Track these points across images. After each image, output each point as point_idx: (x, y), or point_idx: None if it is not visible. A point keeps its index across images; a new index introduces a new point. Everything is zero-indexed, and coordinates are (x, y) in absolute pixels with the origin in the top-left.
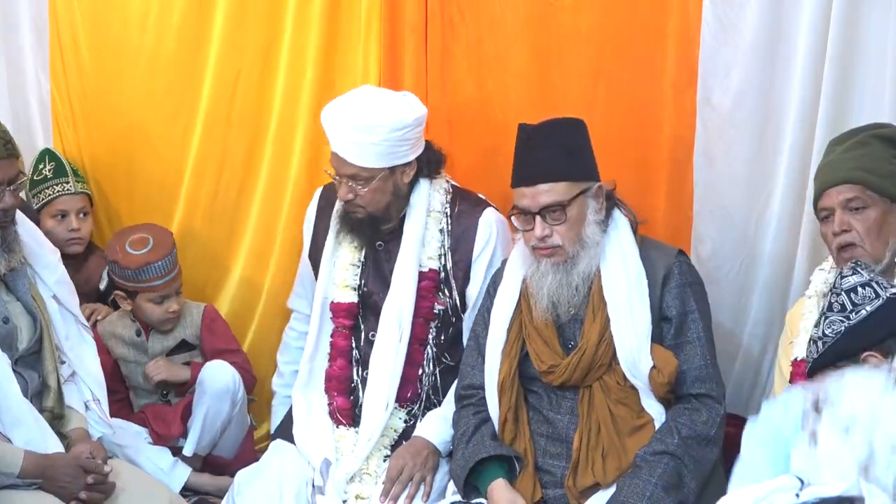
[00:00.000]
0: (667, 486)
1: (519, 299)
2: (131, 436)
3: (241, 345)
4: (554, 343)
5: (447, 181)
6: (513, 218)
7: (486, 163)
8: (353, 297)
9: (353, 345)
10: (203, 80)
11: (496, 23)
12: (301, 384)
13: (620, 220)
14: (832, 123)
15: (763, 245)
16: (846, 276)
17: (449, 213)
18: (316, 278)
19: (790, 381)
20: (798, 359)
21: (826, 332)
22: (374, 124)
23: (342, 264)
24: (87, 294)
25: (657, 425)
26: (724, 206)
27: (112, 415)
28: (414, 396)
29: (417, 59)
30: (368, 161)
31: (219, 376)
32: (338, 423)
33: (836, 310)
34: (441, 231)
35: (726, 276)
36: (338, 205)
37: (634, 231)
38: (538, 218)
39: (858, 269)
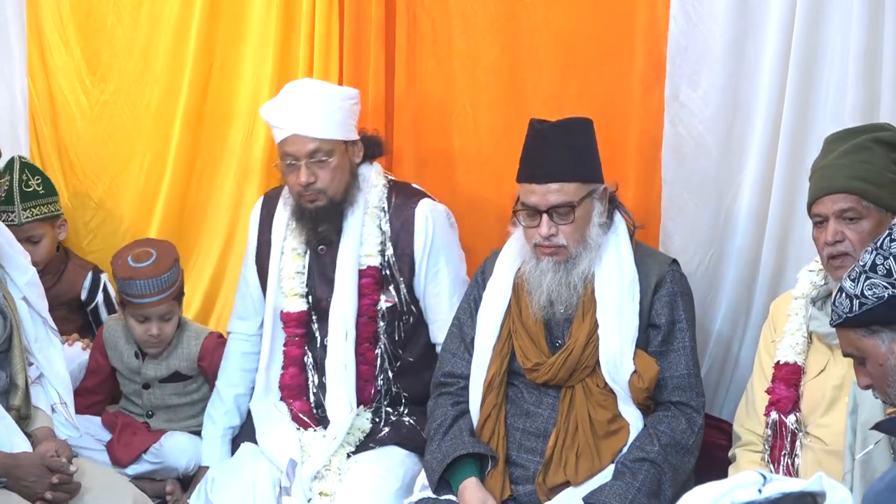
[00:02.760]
0: (647, 493)
1: (510, 295)
2: (91, 441)
3: None
4: (541, 341)
5: (385, 175)
6: (518, 214)
7: (454, 160)
8: (302, 306)
9: (307, 351)
10: (183, 74)
11: (467, 18)
12: (259, 395)
13: (620, 225)
14: (796, 121)
15: (730, 242)
16: None
17: (387, 209)
18: (263, 289)
19: (772, 383)
20: (782, 362)
21: (865, 293)
22: (330, 93)
23: (288, 273)
24: (69, 303)
25: (632, 430)
26: (692, 202)
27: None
28: (376, 395)
29: (381, 57)
30: (330, 131)
31: (180, 457)
32: (304, 425)
33: (881, 273)
34: (379, 227)
35: (694, 273)
36: (286, 210)
37: (632, 236)
38: (545, 216)
39: None
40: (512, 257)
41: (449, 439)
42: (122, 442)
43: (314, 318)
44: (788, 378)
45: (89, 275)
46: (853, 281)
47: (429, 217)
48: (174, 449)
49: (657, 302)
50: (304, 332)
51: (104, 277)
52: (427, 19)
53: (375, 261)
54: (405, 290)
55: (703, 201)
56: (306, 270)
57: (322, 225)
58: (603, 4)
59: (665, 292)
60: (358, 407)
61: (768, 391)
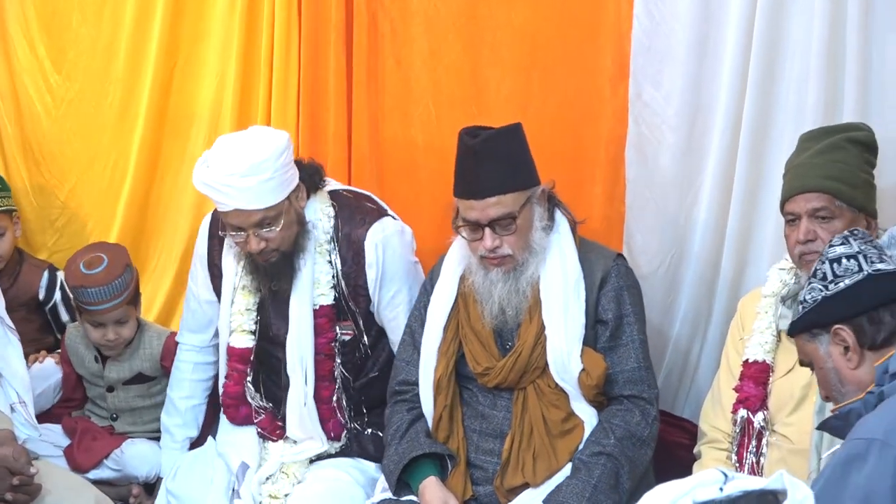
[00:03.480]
0: (605, 488)
1: (456, 298)
2: (50, 448)
3: None
4: (490, 345)
5: (331, 203)
6: (460, 229)
7: (418, 160)
8: (249, 342)
9: (253, 386)
10: (146, 73)
11: (428, 17)
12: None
13: (562, 223)
14: (757, 120)
15: (692, 241)
16: (834, 245)
17: (336, 240)
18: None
19: (741, 381)
20: (750, 360)
21: (806, 298)
22: (260, 161)
23: (238, 309)
24: (27, 304)
25: (587, 428)
26: (655, 201)
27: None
28: (342, 430)
29: (340, 57)
30: (272, 198)
31: (141, 465)
32: (266, 438)
33: (818, 277)
34: (329, 263)
35: (656, 272)
36: (238, 261)
37: (574, 232)
38: (487, 230)
39: (849, 240)
40: (455, 262)
41: (406, 441)
42: (82, 447)
43: (271, 351)
44: (757, 376)
45: (45, 274)
46: (804, 289)
47: (378, 246)
48: (135, 457)
49: (603, 297)
50: (244, 368)
51: (60, 276)
52: (386, 19)
53: (328, 299)
54: (362, 320)
55: (666, 201)
56: (256, 307)
57: (277, 279)
58: (566, 3)
59: (611, 287)
60: (329, 442)
61: (736, 389)
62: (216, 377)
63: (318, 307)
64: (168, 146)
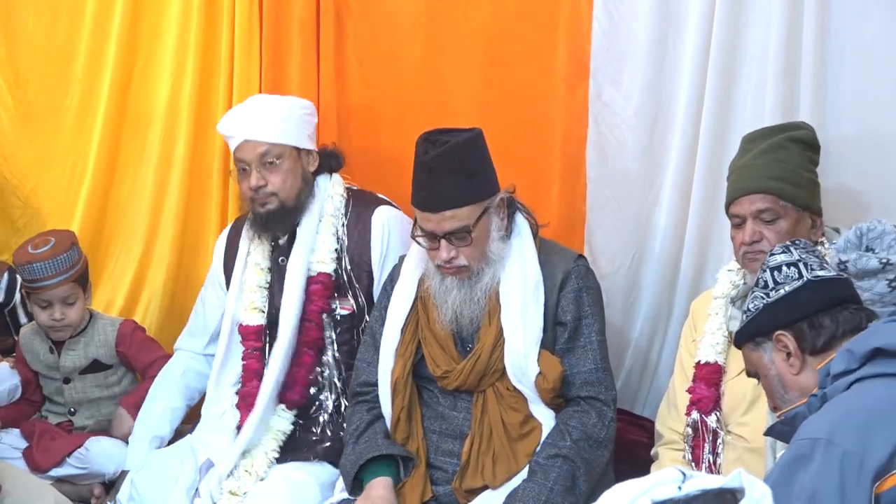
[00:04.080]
0: (561, 490)
1: (415, 300)
2: (8, 450)
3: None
4: (450, 348)
5: (346, 186)
6: (417, 238)
7: (380, 160)
8: (260, 320)
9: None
10: (105, 74)
11: (390, 17)
12: (209, 404)
13: (523, 227)
14: (716, 121)
15: (651, 241)
16: (775, 254)
17: (345, 218)
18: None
19: (693, 382)
20: (702, 362)
21: (749, 307)
22: (280, 100)
23: (249, 286)
24: None
25: (545, 430)
26: (616, 201)
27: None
28: (302, 399)
29: (307, 58)
30: (278, 135)
31: (107, 463)
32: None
33: (759, 285)
34: (335, 235)
35: (618, 272)
36: (250, 240)
37: (535, 234)
38: (443, 241)
39: (790, 248)
40: (414, 264)
41: (363, 442)
42: (40, 447)
43: (268, 331)
44: (709, 378)
45: (5, 275)
46: (747, 298)
47: (385, 225)
48: (100, 454)
49: (563, 299)
50: (262, 345)
51: (20, 278)
52: (350, 19)
53: (328, 268)
54: (363, 298)
55: (626, 201)
56: (268, 285)
57: (273, 227)
58: (525, 3)
59: (570, 289)
60: (279, 406)
61: (689, 391)
62: (203, 397)
63: (314, 274)
64: (126, 146)
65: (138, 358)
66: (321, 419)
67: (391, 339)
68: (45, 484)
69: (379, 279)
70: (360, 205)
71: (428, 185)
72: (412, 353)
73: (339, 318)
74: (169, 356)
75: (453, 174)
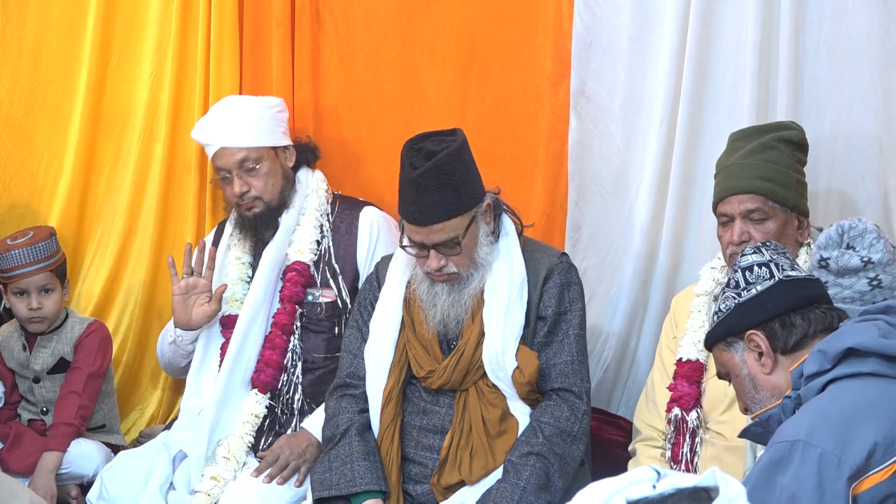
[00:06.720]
0: (534, 489)
1: (402, 307)
2: None
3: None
4: (434, 349)
5: (326, 187)
6: (406, 248)
7: (360, 157)
8: (240, 311)
9: None
10: (79, 73)
11: (369, 15)
12: (188, 397)
13: (510, 227)
14: (692, 118)
15: (630, 237)
16: (746, 255)
17: (329, 213)
18: None
19: (674, 379)
20: (684, 359)
21: (720, 308)
22: (251, 103)
23: (231, 280)
24: None
25: (521, 427)
26: (599, 195)
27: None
28: (273, 382)
29: (284, 56)
30: (254, 139)
31: (87, 465)
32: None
33: (731, 286)
34: (317, 228)
35: (599, 266)
36: (232, 217)
37: (520, 234)
38: (433, 251)
39: (761, 249)
40: (401, 268)
41: (349, 465)
42: (13, 450)
43: None
44: (690, 375)
45: None
46: (718, 299)
47: (374, 222)
48: (81, 456)
49: (545, 294)
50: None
51: None
52: (330, 17)
53: (306, 257)
54: (347, 288)
55: (609, 196)
56: (249, 279)
57: (263, 230)
58: (504, 1)
59: (553, 284)
60: (252, 390)
61: (670, 388)
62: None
63: (291, 262)
64: (102, 146)
65: (76, 364)
66: (294, 405)
67: (385, 351)
68: (19, 483)
69: (365, 272)
70: (348, 206)
71: (416, 201)
72: (406, 361)
73: (322, 305)
74: (83, 401)
75: (440, 188)
